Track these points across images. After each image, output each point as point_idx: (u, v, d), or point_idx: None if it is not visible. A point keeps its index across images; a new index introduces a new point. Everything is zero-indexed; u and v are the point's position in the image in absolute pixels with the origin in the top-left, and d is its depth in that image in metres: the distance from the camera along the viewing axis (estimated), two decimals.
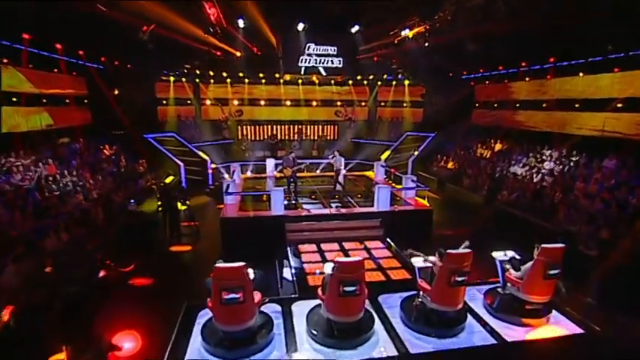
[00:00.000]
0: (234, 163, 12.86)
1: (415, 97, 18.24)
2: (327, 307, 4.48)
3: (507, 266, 5.19)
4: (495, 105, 15.46)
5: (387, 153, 15.27)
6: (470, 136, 15.83)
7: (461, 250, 4.57)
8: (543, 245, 4.76)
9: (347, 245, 8.64)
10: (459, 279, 4.59)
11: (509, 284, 5.16)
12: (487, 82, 15.88)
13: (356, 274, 4.34)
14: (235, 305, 4.14)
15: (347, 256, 7.90)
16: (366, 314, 4.65)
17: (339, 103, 18.73)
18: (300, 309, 4.98)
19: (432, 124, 16.26)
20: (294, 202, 9.91)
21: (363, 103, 19.04)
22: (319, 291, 4.72)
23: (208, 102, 17.33)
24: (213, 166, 13.64)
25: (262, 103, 17.98)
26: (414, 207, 9.92)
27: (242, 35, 14.70)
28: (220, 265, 4.19)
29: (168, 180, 12.52)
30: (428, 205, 9.80)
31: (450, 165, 14.32)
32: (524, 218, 8.90)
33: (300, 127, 18.14)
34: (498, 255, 5.29)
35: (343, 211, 9.32)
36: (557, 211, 8.56)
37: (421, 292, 4.92)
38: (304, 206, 9.62)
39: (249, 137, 17.82)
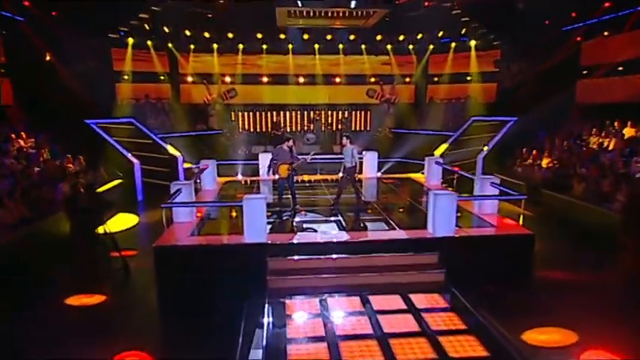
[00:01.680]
0: (206, 162, 10.94)
1: (486, 67, 16.12)
2: None
3: None
4: (621, 69, 12.35)
5: (444, 147, 13.03)
6: (573, 119, 13.32)
7: None
8: None
9: (377, 301, 5.99)
10: None
11: None
12: (606, 32, 12.87)
13: None
14: None
15: (377, 328, 5.38)
16: None
17: (372, 80, 17.41)
18: None
19: (511, 104, 13.91)
20: (289, 217, 8.08)
21: (408, 79, 17.76)
22: None
23: (190, 79, 16.51)
24: (187, 165, 11.76)
25: (264, 79, 17.01)
26: (499, 231, 7.32)
27: None
28: None
29: (109, 186, 10.86)
30: (523, 226, 7.45)
31: (545, 163, 11.75)
32: None
33: (316, 113, 17.08)
34: None
35: (372, 237, 7.15)
36: None
37: None
38: (306, 226, 7.78)
39: (243, 126, 17.00)
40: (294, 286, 6.47)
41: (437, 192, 7.31)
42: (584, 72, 13.84)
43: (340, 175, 8.95)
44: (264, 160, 10.75)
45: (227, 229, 7.72)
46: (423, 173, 11.49)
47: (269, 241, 6.88)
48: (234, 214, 8.33)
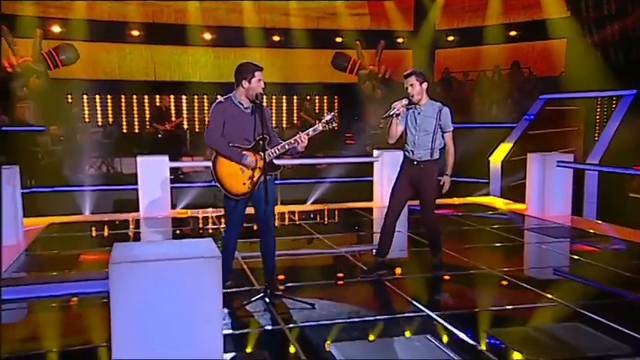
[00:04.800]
0: None
1: (547, 13, 14.95)
2: None
3: None
4: None
5: (506, 148, 12.50)
6: None
7: None
8: None
9: None
10: None
11: None
12: None
13: None
14: None
15: None
16: None
17: (338, 40, 16.43)
18: None
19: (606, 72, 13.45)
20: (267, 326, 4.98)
21: (401, 40, 16.74)
22: None
23: None
24: None
25: (135, 34, 15.47)
26: None
27: None
28: None
29: None
30: None
31: None
32: None
33: None
34: None
35: None
36: None
37: None
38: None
39: (94, 118, 15.84)
40: None
41: None
42: None
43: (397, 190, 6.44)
44: (148, 174, 9.22)
45: None
46: (491, 195, 11.39)
47: None
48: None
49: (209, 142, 4.64)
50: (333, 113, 4.94)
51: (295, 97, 16.61)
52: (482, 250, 7.14)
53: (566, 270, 6.69)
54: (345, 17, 16.33)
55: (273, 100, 16.73)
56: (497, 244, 7.55)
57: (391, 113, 5.42)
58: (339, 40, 16.22)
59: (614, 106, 14.06)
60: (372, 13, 16.51)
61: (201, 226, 8.58)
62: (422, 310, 4.80)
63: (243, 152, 4.55)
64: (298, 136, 4.68)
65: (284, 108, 16.81)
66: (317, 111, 16.27)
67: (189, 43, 15.28)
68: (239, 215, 4.83)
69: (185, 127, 15.17)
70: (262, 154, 4.46)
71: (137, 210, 8.77)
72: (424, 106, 5.41)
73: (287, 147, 4.69)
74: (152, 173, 8.74)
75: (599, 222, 8.92)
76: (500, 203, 10.50)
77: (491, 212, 9.97)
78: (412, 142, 5.45)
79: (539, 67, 15.29)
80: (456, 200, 10.59)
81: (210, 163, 4.74)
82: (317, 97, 16.66)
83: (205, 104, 15.92)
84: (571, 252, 7.33)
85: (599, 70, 13.75)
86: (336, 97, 16.53)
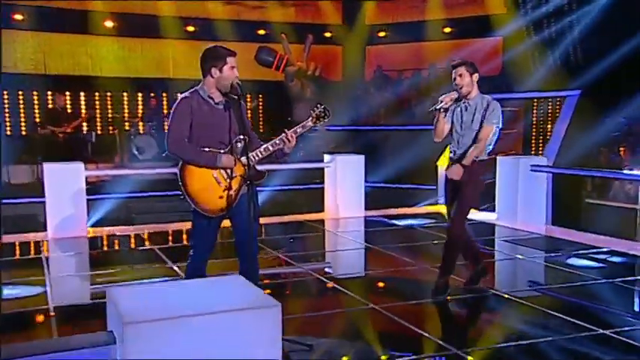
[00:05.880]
0: None
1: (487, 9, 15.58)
2: None
3: None
4: None
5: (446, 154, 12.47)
6: None
7: None
8: None
9: None
10: None
11: None
12: None
13: None
14: None
15: None
16: None
17: (261, 32, 16.67)
18: None
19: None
20: None
21: (329, 34, 17.03)
22: None
23: None
24: None
25: (18, 17, 14.92)
26: None
27: None
28: None
29: None
30: None
31: None
32: None
33: (152, 95, 16.25)
34: None
35: None
36: None
37: None
38: None
39: None
40: None
41: None
42: None
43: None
44: (58, 185, 8.64)
45: None
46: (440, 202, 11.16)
47: None
48: None
49: (171, 148, 4.22)
50: (323, 105, 4.65)
51: None
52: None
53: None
54: (268, 8, 16.35)
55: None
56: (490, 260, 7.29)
57: (438, 107, 5.20)
58: (261, 32, 16.06)
59: (549, 107, 15.20)
60: (297, 4, 16.57)
61: (134, 247, 8.10)
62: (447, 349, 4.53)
63: (214, 153, 4.19)
64: (284, 134, 4.30)
65: None
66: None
67: (88, 31, 14.66)
68: (212, 235, 4.41)
69: (85, 129, 14.50)
70: (241, 159, 4.14)
71: (43, 229, 8.34)
72: (473, 100, 5.23)
73: (271, 149, 4.34)
74: (63, 184, 8.20)
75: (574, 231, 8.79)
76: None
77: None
78: (457, 141, 5.30)
79: (479, 66, 15.64)
80: (408, 210, 10.63)
81: (176, 170, 4.27)
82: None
83: (108, 102, 15.42)
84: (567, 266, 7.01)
85: (538, 69, 14.25)
86: (260, 95, 16.44)
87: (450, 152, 5.50)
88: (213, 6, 15.86)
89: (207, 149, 4.18)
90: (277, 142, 4.31)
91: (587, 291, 5.99)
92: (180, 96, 4.32)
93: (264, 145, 4.33)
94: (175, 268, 6.64)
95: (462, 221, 5.52)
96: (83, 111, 15.37)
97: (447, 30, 16.28)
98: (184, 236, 8.94)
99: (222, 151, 4.26)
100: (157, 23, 15.28)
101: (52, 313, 5.45)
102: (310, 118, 4.44)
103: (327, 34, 16.74)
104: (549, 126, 15.32)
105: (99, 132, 14.63)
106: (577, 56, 14.19)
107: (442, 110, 5.19)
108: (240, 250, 4.44)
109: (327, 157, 9.79)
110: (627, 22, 13.56)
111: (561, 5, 14.29)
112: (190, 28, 15.62)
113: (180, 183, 4.20)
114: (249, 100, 16.16)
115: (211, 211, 4.23)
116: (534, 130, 15.63)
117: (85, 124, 14.54)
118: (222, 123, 4.24)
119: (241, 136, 4.21)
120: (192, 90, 4.32)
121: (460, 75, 5.25)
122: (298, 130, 4.34)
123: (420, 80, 16.19)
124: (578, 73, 13.26)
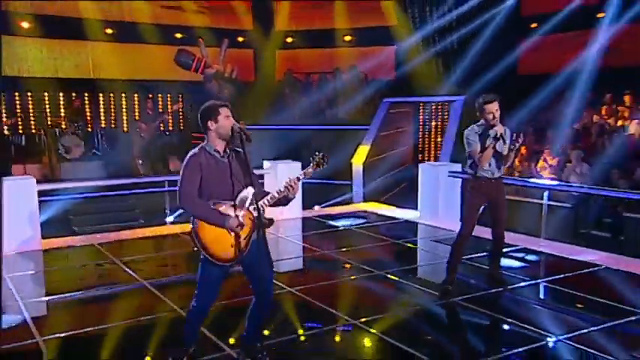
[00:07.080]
0: None
1: (372, 20, 16.59)
2: None
3: None
4: None
5: (364, 150, 13.36)
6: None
7: None
8: None
9: None
10: None
11: None
12: None
13: None
14: None
15: None
16: None
17: (178, 36, 16.70)
18: None
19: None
20: None
21: (241, 38, 17.51)
22: None
23: None
24: None
25: None
26: None
27: None
28: None
29: None
30: None
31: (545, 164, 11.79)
32: None
33: (75, 98, 15.88)
34: None
35: None
36: None
37: None
38: None
39: None
40: None
41: None
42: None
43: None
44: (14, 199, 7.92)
45: None
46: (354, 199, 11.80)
47: None
48: None
49: (184, 204, 4.21)
50: (322, 153, 4.63)
51: (136, 95, 16.07)
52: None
53: None
54: (184, 12, 16.25)
55: (111, 98, 16.16)
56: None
57: (498, 136, 5.60)
58: (179, 36, 16.03)
59: (433, 109, 16.15)
60: (211, 10, 16.53)
61: (100, 262, 7.60)
62: None
63: (222, 213, 4.17)
64: (287, 181, 4.37)
65: (123, 106, 16.17)
66: (171, 109, 16.06)
67: (11, 32, 14.25)
68: (218, 285, 4.43)
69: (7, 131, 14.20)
70: (250, 208, 4.20)
71: None
72: (503, 129, 5.72)
73: (277, 196, 4.38)
74: (17, 197, 7.83)
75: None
76: (379, 208, 10.76)
77: (390, 222, 9.97)
78: (496, 167, 5.76)
79: (376, 71, 16.36)
80: (335, 208, 11.01)
81: (190, 225, 4.23)
82: (160, 96, 16.46)
83: (30, 103, 15.10)
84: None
85: (428, 75, 15.24)
86: (180, 95, 16.37)
87: (485, 173, 5.88)
88: (132, 9, 15.68)
89: (215, 202, 4.25)
90: (282, 189, 4.36)
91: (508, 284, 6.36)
92: (189, 153, 4.33)
93: (271, 194, 4.37)
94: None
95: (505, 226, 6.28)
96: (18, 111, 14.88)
97: (348, 38, 16.90)
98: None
99: (229, 203, 4.29)
100: (76, 25, 14.98)
101: None
102: (311, 165, 4.47)
103: (240, 39, 16.88)
104: (434, 123, 16.33)
105: (20, 132, 14.38)
106: (458, 66, 15.14)
107: (497, 139, 5.62)
108: (257, 299, 4.53)
109: (266, 164, 9.78)
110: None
111: (446, 24, 15.51)
112: (109, 31, 15.40)
113: (194, 235, 4.21)
114: (169, 101, 16.23)
115: (224, 259, 4.28)
116: (420, 129, 16.49)
117: (6, 127, 14.03)
118: (229, 175, 4.31)
119: (249, 188, 4.28)
120: (199, 147, 4.34)
121: (497, 110, 5.68)
122: (300, 177, 4.39)
123: (327, 84, 16.64)
124: (462, 83, 14.38)
